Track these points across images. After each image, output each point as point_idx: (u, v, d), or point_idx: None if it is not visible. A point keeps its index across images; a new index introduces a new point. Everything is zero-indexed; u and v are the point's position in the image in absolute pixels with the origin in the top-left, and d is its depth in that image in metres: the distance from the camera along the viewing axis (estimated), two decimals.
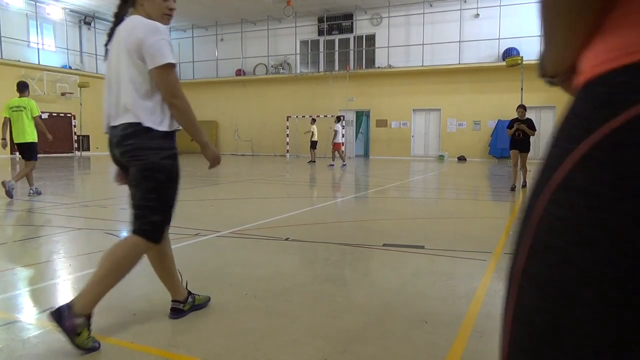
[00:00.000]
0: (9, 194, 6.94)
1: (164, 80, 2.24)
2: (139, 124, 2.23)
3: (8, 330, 2.40)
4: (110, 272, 2.20)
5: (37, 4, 21.46)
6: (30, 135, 7.39)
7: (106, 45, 2.44)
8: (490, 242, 4.44)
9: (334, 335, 2.36)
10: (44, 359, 2.11)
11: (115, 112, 2.32)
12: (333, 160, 16.28)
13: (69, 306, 2.11)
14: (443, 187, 10.75)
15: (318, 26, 23.61)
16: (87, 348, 2.11)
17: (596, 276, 0.43)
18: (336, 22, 23.14)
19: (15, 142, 7.42)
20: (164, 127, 2.29)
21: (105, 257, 2.23)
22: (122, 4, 2.43)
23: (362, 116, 24.05)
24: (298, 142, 22.82)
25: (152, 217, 2.28)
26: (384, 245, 4.11)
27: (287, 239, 4.59)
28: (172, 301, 2.59)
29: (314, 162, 17.74)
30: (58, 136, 24.09)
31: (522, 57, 14.84)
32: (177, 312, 2.58)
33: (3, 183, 6.96)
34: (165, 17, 2.39)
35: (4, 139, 7.43)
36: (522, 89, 13.96)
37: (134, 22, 2.30)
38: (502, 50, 19.86)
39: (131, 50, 2.24)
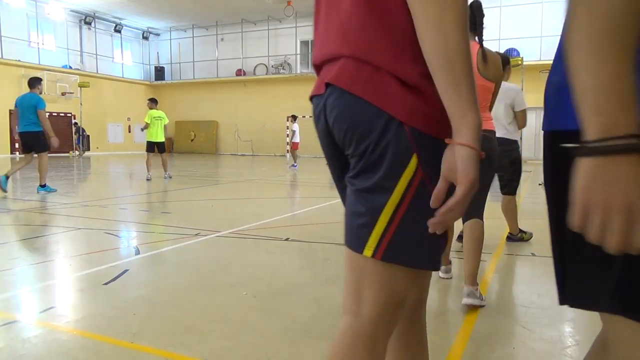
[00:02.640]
0: (166, 178, 10.73)
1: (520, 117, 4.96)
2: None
3: (8, 330, 2.40)
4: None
5: (38, 3, 21.47)
6: (162, 136, 10.77)
7: None
8: (491, 242, 4.44)
9: (334, 336, 2.35)
10: (44, 359, 2.11)
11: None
12: (295, 160, 15.60)
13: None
14: None
15: None
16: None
17: None
18: None
19: (152, 140, 10.66)
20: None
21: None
22: None
23: None
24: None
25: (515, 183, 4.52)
26: None
27: (287, 239, 4.60)
28: (509, 232, 4.54)
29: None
30: (58, 136, 24.13)
31: (522, 57, 14.82)
32: (510, 239, 4.52)
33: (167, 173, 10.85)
34: None
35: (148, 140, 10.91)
36: (522, 89, 13.92)
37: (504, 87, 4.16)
38: (502, 50, 19.79)
39: (507, 103, 4.66)
